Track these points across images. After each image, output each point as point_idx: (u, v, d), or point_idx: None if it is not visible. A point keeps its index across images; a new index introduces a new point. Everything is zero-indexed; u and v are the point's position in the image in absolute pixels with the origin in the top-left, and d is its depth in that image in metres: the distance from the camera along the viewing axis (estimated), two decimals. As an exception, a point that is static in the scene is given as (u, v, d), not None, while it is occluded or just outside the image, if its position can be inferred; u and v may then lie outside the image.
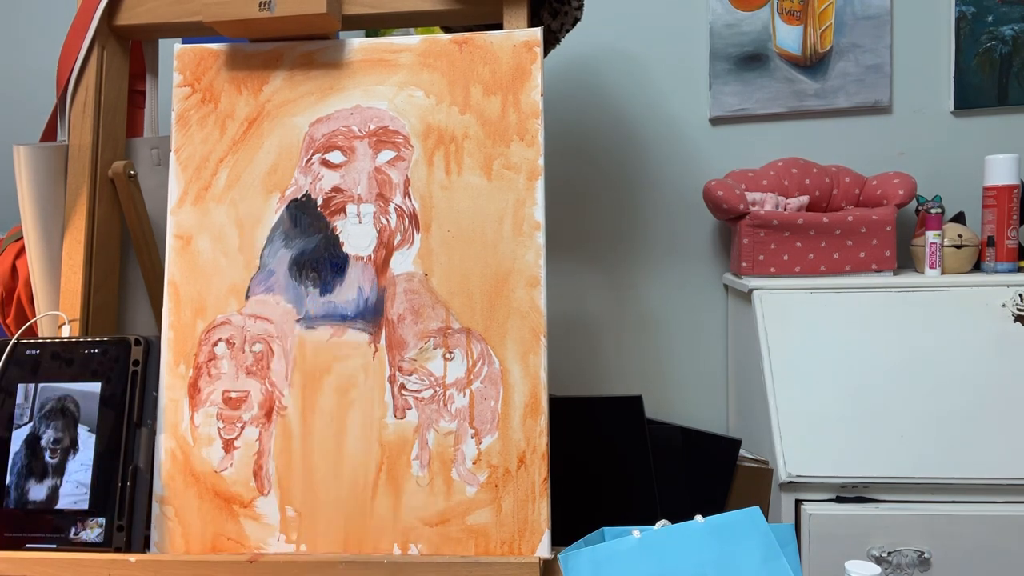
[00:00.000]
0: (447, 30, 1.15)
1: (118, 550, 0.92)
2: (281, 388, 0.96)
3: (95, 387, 0.97)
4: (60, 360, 0.99)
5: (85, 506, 0.94)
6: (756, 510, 0.82)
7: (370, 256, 0.98)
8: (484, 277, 0.96)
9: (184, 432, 0.96)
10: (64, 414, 0.97)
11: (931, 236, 1.31)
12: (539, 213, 0.96)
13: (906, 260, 1.41)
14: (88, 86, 1.12)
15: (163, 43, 1.30)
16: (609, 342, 1.59)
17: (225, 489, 0.95)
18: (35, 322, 1.09)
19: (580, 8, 1.16)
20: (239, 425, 0.96)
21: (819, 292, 1.28)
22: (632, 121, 1.56)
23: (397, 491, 0.92)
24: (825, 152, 1.47)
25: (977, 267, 1.35)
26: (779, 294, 1.28)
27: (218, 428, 0.96)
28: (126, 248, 1.18)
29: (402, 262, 0.97)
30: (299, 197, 1.00)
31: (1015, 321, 1.19)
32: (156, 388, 0.98)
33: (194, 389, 0.97)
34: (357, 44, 1.02)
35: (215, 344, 0.98)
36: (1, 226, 1.32)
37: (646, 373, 1.58)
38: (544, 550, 0.90)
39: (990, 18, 1.44)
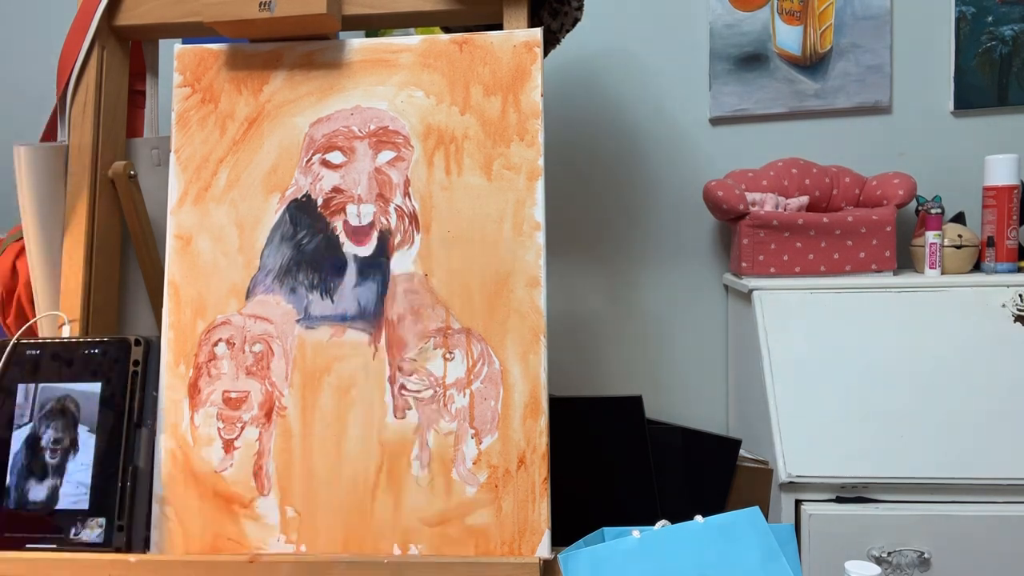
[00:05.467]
0: (447, 30, 1.15)
1: (118, 550, 0.92)
2: (281, 388, 0.96)
3: (95, 387, 0.97)
4: (60, 360, 0.99)
5: (85, 506, 0.94)
6: (756, 510, 0.82)
7: (370, 256, 0.98)
8: (484, 277, 0.96)
9: (184, 432, 0.97)
10: (64, 414, 0.97)
11: (931, 236, 1.31)
12: (539, 213, 0.96)
13: (906, 260, 1.41)
14: (88, 86, 1.12)
15: (163, 43, 1.30)
16: (609, 342, 1.59)
17: (225, 489, 0.95)
18: (35, 322, 1.09)
19: (580, 8, 1.16)
20: (239, 425, 0.96)
21: (819, 292, 1.28)
22: (632, 121, 1.56)
23: (397, 491, 0.93)
24: (825, 152, 1.47)
25: (977, 267, 1.35)
26: (779, 294, 1.28)
27: (218, 428, 0.96)
28: (126, 248, 1.18)
29: (402, 262, 0.97)
30: (299, 197, 1.00)
31: (1015, 321, 1.19)
32: (156, 388, 0.98)
33: (194, 389, 0.97)
34: (357, 44, 1.02)
35: (215, 344, 0.98)
36: (1, 226, 1.32)
37: (646, 373, 1.58)
38: (544, 550, 0.90)
39: (990, 18, 1.44)
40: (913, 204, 1.40)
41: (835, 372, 1.17)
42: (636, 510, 1.13)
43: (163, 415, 0.97)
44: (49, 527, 0.94)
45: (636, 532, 0.81)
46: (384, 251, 0.98)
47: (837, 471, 1.09)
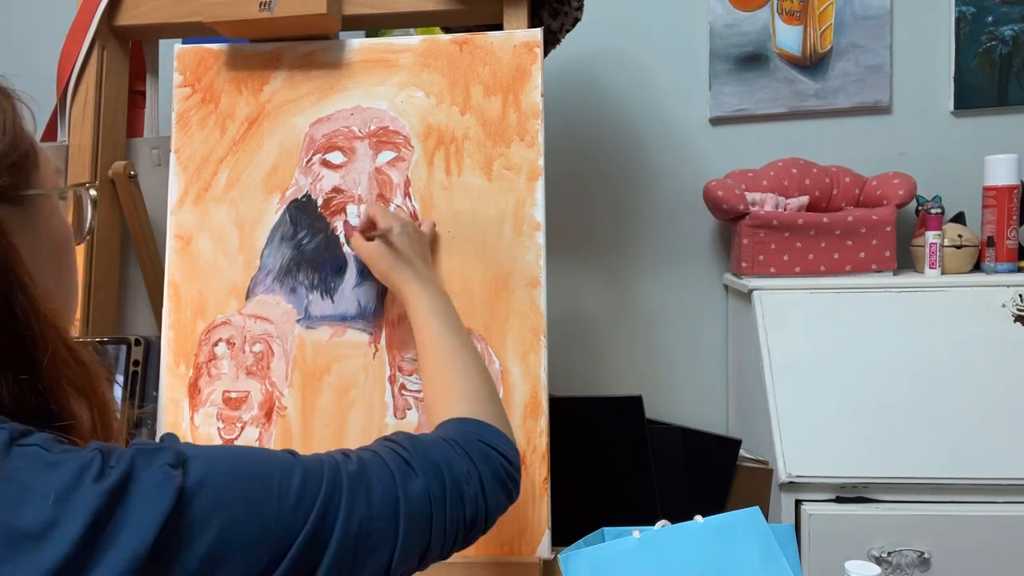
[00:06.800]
0: (447, 30, 1.15)
1: (118, 550, 0.92)
2: (281, 388, 0.96)
3: (95, 387, 0.97)
4: (60, 360, 0.99)
5: (85, 506, 0.94)
6: (756, 510, 0.82)
7: (370, 256, 0.98)
8: (484, 277, 0.96)
9: (184, 432, 0.96)
10: (64, 414, 0.97)
11: (931, 236, 1.31)
12: (539, 213, 0.96)
13: (906, 260, 1.41)
14: (88, 86, 1.12)
15: (163, 43, 1.30)
16: (609, 342, 1.59)
17: (225, 489, 0.95)
18: (35, 322, 1.09)
19: (580, 8, 1.16)
20: (239, 425, 0.96)
21: (819, 292, 1.28)
22: (632, 121, 1.56)
23: (397, 491, 0.92)
24: (825, 152, 1.47)
25: (977, 267, 1.35)
26: (779, 294, 1.28)
27: (218, 428, 0.96)
28: (126, 248, 1.18)
29: (402, 262, 0.97)
30: (299, 197, 1.00)
31: (1015, 321, 1.19)
32: (156, 388, 0.98)
33: (194, 389, 0.97)
34: (357, 44, 1.02)
35: (215, 344, 0.98)
36: (1, 226, 1.32)
37: (646, 373, 1.58)
38: (544, 550, 0.90)
39: (990, 18, 1.44)
40: (913, 204, 1.40)
41: (835, 372, 1.17)
42: (636, 510, 1.13)
43: (163, 415, 0.97)
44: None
45: (636, 532, 0.81)
46: (384, 251, 0.98)
47: (837, 471, 1.09)
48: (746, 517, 0.81)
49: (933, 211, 1.31)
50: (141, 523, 0.44)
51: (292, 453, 0.55)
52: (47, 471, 0.44)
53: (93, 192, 0.63)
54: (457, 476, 0.61)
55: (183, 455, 0.48)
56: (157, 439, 0.52)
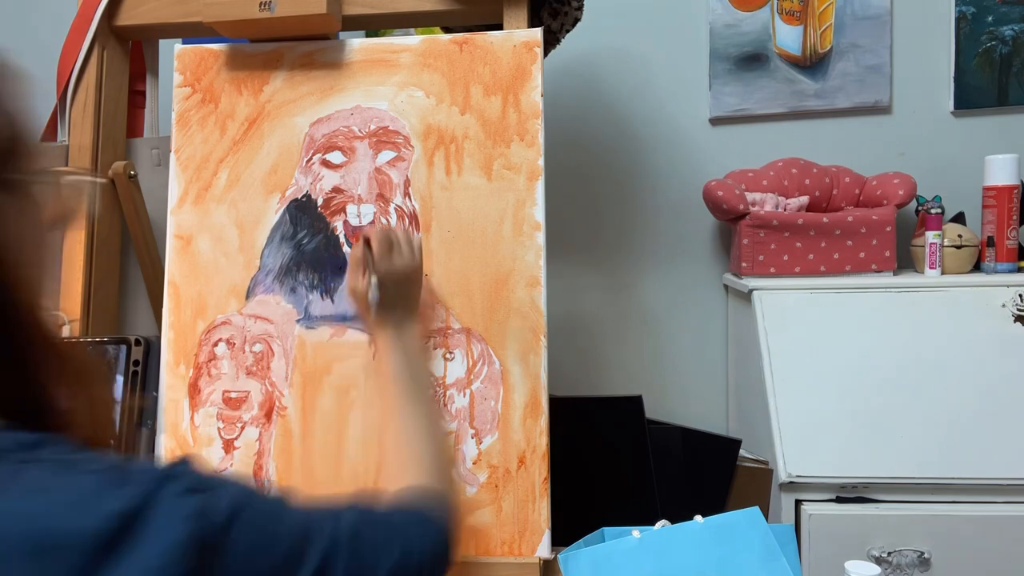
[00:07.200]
0: (447, 30, 1.15)
1: (118, 550, 0.92)
2: (281, 388, 0.96)
3: (95, 387, 0.97)
4: (60, 360, 0.99)
5: (85, 506, 0.94)
6: (756, 510, 0.82)
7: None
8: (484, 277, 0.96)
9: (184, 432, 0.96)
10: (64, 414, 0.97)
11: (931, 236, 1.30)
12: (539, 213, 0.96)
13: (906, 260, 1.41)
14: (88, 86, 1.12)
15: (163, 43, 1.30)
16: (609, 342, 1.59)
17: (225, 489, 0.95)
18: (35, 322, 1.09)
19: (580, 8, 1.16)
20: (239, 425, 0.96)
21: (819, 292, 1.28)
22: (632, 121, 1.56)
23: (397, 491, 0.92)
24: (825, 152, 1.47)
25: (977, 267, 1.35)
26: (779, 294, 1.28)
27: (218, 428, 0.96)
28: (126, 248, 1.18)
29: (402, 262, 0.97)
30: (299, 197, 1.00)
31: (1015, 321, 1.19)
32: (156, 388, 0.98)
33: (194, 389, 0.97)
34: (357, 44, 1.02)
35: (215, 344, 0.98)
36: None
37: (646, 373, 1.58)
38: (544, 550, 0.90)
39: (990, 18, 1.44)
40: (913, 204, 1.40)
41: (835, 372, 1.17)
42: (636, 510, 1.13)
43: (163, 415, 0.97)
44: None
45: (636, 532, 0.81)
46: (384, 251, 0.98)
47: (837, 471, 1.09)
48: (746, 517, 0.81)
49: (933, 211, 1.31)
50: (152, 551, 0.43)
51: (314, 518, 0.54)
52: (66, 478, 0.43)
53: (96, 180, 0.61)
54: (406, 551, 0.60)
55: (206, 486, 0.47)
56: (164, 447, 0.51)
